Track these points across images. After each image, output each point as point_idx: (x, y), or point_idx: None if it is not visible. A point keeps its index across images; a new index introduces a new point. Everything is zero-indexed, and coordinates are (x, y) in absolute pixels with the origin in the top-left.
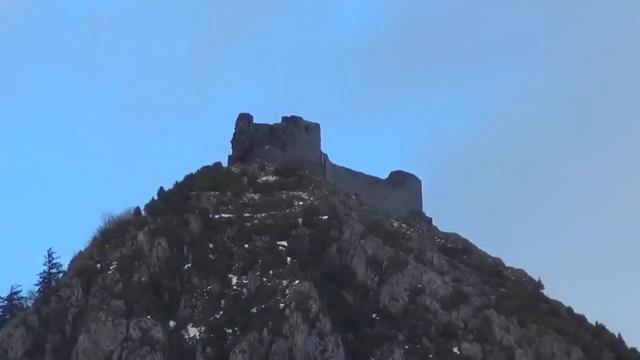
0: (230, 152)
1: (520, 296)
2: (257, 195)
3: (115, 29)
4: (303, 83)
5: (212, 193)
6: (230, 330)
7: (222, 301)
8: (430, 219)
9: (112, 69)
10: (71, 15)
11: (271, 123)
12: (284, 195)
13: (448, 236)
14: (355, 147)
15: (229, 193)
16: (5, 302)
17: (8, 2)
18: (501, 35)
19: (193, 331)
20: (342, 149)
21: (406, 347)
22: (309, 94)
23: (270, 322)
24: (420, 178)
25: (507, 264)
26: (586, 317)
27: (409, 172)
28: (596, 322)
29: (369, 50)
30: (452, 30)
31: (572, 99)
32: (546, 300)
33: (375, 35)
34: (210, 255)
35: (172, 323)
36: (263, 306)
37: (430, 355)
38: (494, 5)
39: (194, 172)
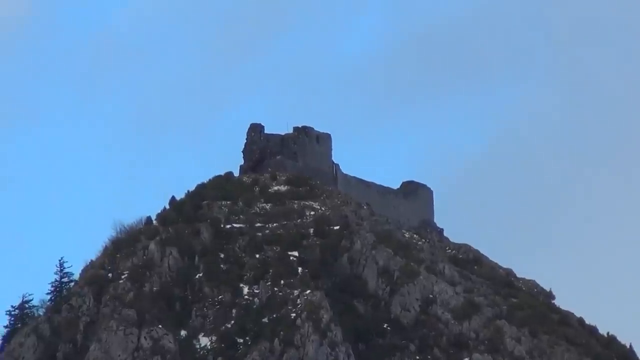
0: (242, 162)
1: (532, 307)
2: (269, 205)
3: (129, 44)
4: (314, 94)
5: (223, 203)
6: (241, 340)
7: (234, 311)
8: (442, 229)
9: (124, 81)
10: (85, 31)
11: (282, 133)
12: (295, 205)
13: (459, 247)
14: (367, 157)
15: (241, 203)
16: (17, 311)
17: (21, 19)
18: (508, 50)
19: (204, 341)
20: (354, 159)
21: (417, 357)
22: (320, 105)
23: (281, 332)
24: (431, 188)
25: (518, 275)
26: (597, 327)
27: (421, 182)
28: (607, 333)
29: (379, 64)
30: (459, 45)
31: (579, 111)
32: (557, 310)
33: (386, 50)
34: (222, 265)
35: (183, 332)
36: (274, 316)
37: None
38: (500, 22)
39: (205, 181)
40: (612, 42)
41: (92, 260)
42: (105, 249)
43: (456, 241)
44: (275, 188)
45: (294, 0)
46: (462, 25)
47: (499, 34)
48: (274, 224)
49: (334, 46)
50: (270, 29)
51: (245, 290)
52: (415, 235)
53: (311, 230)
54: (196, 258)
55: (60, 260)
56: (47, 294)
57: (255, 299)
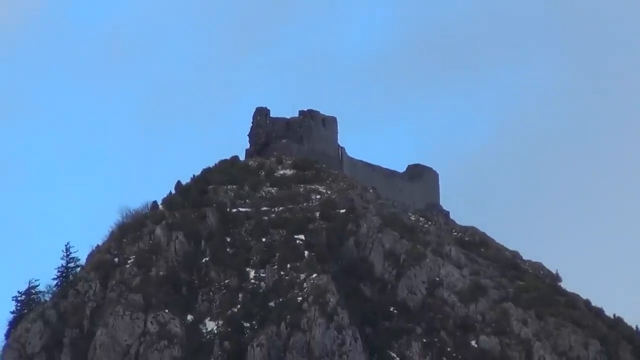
0: (248, 145)
1: (538, 289)
2: (275, 189)
3: (137, 34)
4: (320, 78)
5: (229, 187)
6: (248, 324)
7: (240, 295)
8: (448, 212)
9: (130, 69)
10: (94, 24)
11: (288, 117)
12: (301, 189)
13: (466, 229)
14: (373, 140)
15: (247, 187)
16: (23, 296)
17: (30, 15)
18: (512, 37)
19: (211, 325)
20: (359, 142)
21: (424, 340)
22: (326, 89)
23: (288, 316)
24: (437, 171)
25: (524, 257)
26: (604, 309)
27: (427, 165)
28: (614, 315)
29: (386, 53)
30: (464, 34)
31: (585, 93)
32: (564, 293)
33: (393, 38)
34: (228, 249)
35: (189, 317)
36: (281, 300)
37: (448, 349)
38: (504, 9)
39: (211, 166)
40: (616, 19)
41: (98, 245)
42: (112, 233)
43: (462, 224)
44: (281, 172)
45: None
46: (466, 13)
47: (503, 22)
48: (280, 208)
49: (341, 35)
50: (278, 18)
51: (252, 274)
52: (421, 218)
53: (317, 214)
54: (202, 242)
55: (66, 246)
56: (54, 279)
57: (262, 283)
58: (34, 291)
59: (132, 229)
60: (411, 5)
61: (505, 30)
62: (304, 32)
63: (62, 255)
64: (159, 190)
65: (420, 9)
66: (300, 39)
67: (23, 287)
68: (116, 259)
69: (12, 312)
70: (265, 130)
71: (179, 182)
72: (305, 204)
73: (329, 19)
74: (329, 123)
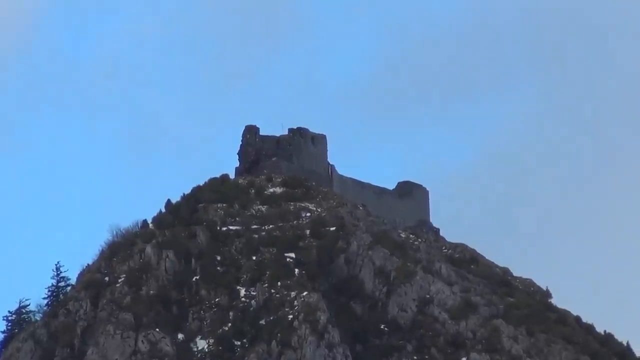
0: (237, 164)
1: (529, 305)
2: (265, 207)
3: (125, 59)
4: (309, 97)
5: (219, 205)
6: (238, 343)
7: (231, 313)
8: (438, 229)
9: (122, 88)
10: (82, 54)
11: (278, 135)
12: (291, 207)
13: (456, 246)
14: (362, 158)
15: (237, 205)
16: (14, 316)
17: (21, 46)
18: (498, 63)
19: (202, 343)
20: (349, 160)
21: (415, 357)
22: (315, 107)
23: (278, 334)
24: (427, 188)
25: (515, 274)
26: (594, 326)
27: (416, 182)
28: (604, 331)
29: (374, 74)
30: (452, 57)
31: (569, 114)
32: (554, 309)
33: (381, 61)
34: (218, 268)
35: (180, 335)
36: (271, 318)
37: None
38: (489, 36)
39: (201, 184)
40: (599, 53)
41: (88, 264)
42: (102, 252)
43: (452, 241)
44: (271, 190)
45: (292, 11)
46: (453, 39)
47: (488, 47)
48: (270, 226)
49: (329, 59)
50: (269, 38)
51: (242, 292)
52: (411, 235)
53: (307, 232)
54: (193, 261)
55: (56, 265)
56: (44, 298)
57: (252, 301)
58: (24, 310)
59: (122, 247)
60: (399, 32)
61: (489, 58)
62: (292, 56)
63: (52, 275)
64: (149, 209)
65: (405, 36)
66: (289, 63)
67: (14, 307)
68: (107, 278)
69: (3, 332)
70: (255, 148)
71: (169, 200)
72: (295, 221)
73: (317, 44)
74: (319, 141)
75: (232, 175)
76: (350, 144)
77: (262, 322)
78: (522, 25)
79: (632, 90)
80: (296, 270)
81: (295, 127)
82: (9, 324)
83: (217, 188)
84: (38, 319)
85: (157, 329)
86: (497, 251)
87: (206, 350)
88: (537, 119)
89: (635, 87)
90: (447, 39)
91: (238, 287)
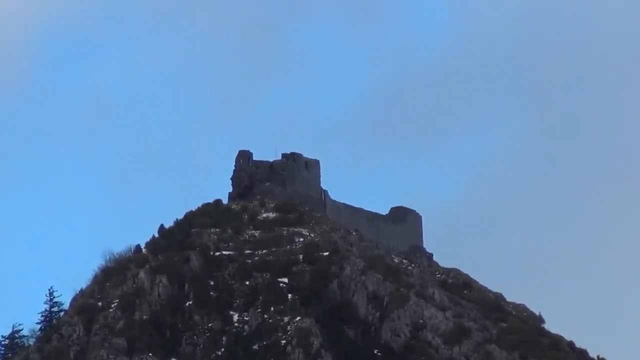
0: (230, 189)
1: (522, 331)
2: (258, 231)
3: (118, 89)
4: (303, 123)
5: (212, 230)
6: None
7: (224, 338)
8: (431, 254)
9: (115, 117)
10: (76, 82)
11: (271, 160)
12: (284, 232)
13: (449, 271)
14: (355, 183)
15: (230, 230)
16: (7, 340)
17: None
18: (487, 95)
19: None
20: (342, 185)
21: None
22: (308, 135)
23: (272, 359)
24: (420, 214)
25: (508, 299)
26: (588, 351)
27: (410, 207)
28: (598, 356)
29: (367, 107)
30: (444, 92)
31: (561, 140)
32: (547, 334)
33: (375, 94)
34: (212, 292)
35: None
36: (265, 343)
37: None
38: (475, 74)
39: (194, 209)
40: (586, 81)
41: (81, 289)
42: (95, 277)
43: (446, 266)
44: (264, 215)
45: (285, 43)
46: (442, 71)
47: (476, 80)
48: (264, 251)
49: (324, 86)
50: (262, 67)
51: (235, 317)
52: (404, 260)
53: (300, 257)
54: (186, 286)
55: (50, 290)
56: (37, 323)
57: (246, 326)
58: (17, 335)
59: (115, 272)
60: (387, 64)
61: (477, 90)
62: (286, 84)
63: (45, 300)
64: (142, 234)
65: (396, 68)
66: (283, 91)
67: (7, 331)
68: (100, 303)
69: None
70: (248, 173)
71: (162, 225)
72: (288, 246)
73: (310, 73)
74: (312, 166)
75: (225, 200)
76: (343, 169)
77: (256, 347)
78: (510, 58)
79: (619, 116)
80: (289, 295)
81: (288, 152)
82: (3, 348)
83: (210, 213)
84: (31, 343)
85: (151, 354)
86: (490, 276)
87: None
88: (525, 148)
89: (623, 113)
90: (436, 71)
91: (231, 312)
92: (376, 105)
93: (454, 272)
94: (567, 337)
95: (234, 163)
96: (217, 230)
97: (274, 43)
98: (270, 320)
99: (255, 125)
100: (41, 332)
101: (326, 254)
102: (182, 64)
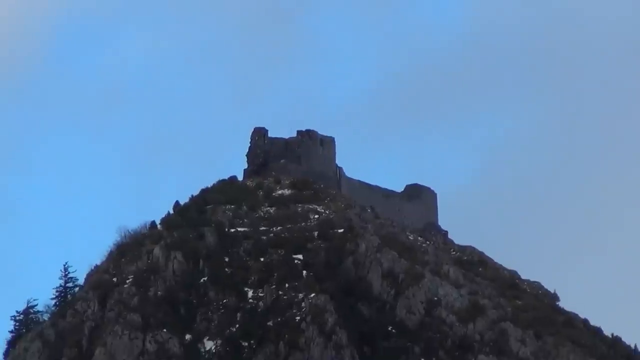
0: (246, 166)
1: (537, 308)
2: (273, 208)
3: (135, 64)
4: (319, 103)
5: (227, 207)
6: (246, 344)
7: (238, 314)
8: (446, 232)
9: (133, 93)
10: (98, 63)
11: (286, 137)
12: (299, 209)
13: (464, 249)
14: (371, 160)
15: (245, 207)
16: (22, 316)
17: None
18: (505, 72)
19: (209, 344)
20: (357, 162)
21: (422, 359)
22: (324, 113)
23: (286, 335)
24: (435, 191)
25: (523, 277)
26: (602, 329)
27: (425, 185)
28: (612, 334)
29: (383, 88)
30: (463, 67)
31: (579, 114)
32: (562, 312)
33: (391, 75)
34: (226, 269)
35: (188, 336)
36: (279, 319)
37: None
38: (492, 55)
39: (209, 186)
40: (599, 64)
41: (96, 265)
42: (110, 253)
43: (461, 243)
44: (280, 192)
45: (304, 25)
46: (460, 51)
47: (492, 61)
48: (278, 228)
49: (341, 65)
50: (281, 47)
51: (250, 293)
52: (419, 238)
53: (315, 234)
54: (201, 262)
55: (64, 265)
56: (52, 299)
57: (260, 303)
58: (32, 311)
59: (130, 248)
60: (404, 44)
61: (493, 71)
62: (303, 63)
63: (60, 275)
64: (157, 210)
65: (414, 48)
66: (300, 69)
67: (22, 307)
68: (115, 279)
69: (11, 332)
70: (264, 150)
71: (177, 202)
72: (303, 223)
73: (328, 54)
74: (327, 143)
75: (240, 177)
76: (358, 147)
77: (270, 323)
78: (526, 42)
79: (632, 98)
80: (304, 272)
81: (304, 130)
82: (17, 324)
83: (225, 190)
84: (46, 319)
85: (165, 330)
86: (505, 254)
87: (214, 351)
88: (541, 128)
89: (636, 95)
90: (453, 54)
91: (246, 289)
92: (392, 87)
93: (469, 250)
94: (582, 315)
95: (250, 140)
96: (232, 207)
97: (292, 27)
98: (284, 297)
99: (271, 103)
100: (56, 308)
101: (341, 231)
102: (199, 45)
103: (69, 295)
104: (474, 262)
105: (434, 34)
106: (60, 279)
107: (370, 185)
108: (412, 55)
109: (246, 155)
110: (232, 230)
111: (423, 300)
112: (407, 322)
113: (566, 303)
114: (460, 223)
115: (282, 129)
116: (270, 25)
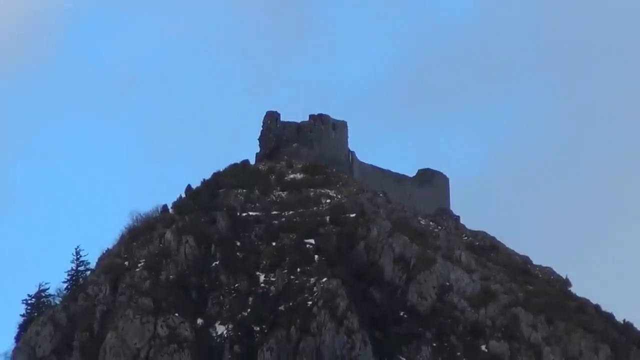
0: (258, 149)
1: (548, 294)
2: (285, 193)
3: (148, 49)
4: (331, 88)
5: (239, 191)
6: (258, 328)
7: (250, 299)
8: (458, 217)
9: (145, 79)
10: (109, 56)
11: (298, 121)
12: (311, 193)
13: (476, 234)
14: (383, 145)
15: (257, 191)
16: (33, 299)
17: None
18: (518, 58)
19: (221, 329)
20: (369, 147)
21: (434, 345)
22: (337, 98)
23: (298, 320)
24: (447, 176)
25: (534, 262)
26: (614, 314)
27: (437, 169)
28: (624, 320)
29: (395, 74)
30: (476, 51)
31: (591, 101)
32: (574, 298)
33: (396, 60)
34: (238, 253)
35: (199, 321)
36: (291, 304)
37: (458, 353)
38: (503, 43)
39: (221, 170)
40: (610, 51)
41: (108, 249)
42: (122, 237)
43: (473, 228)
44: (292, 176)
45: (317, 11)
46: (471, 39)
47: (504, 49)
48: (290, 212)
49: (354, 51)
50: (294, 31)
51: (262, 278)
52: (431, 223)
53: (327, 218)
54: (212, 246)
55: (76, 249)
56: (64, 282)
57: (272, 287)
58: (44, 294)
59: (142, 232)
60: (417, 30)
61: (504, 59)
62: (316, 48)
63: (72, 259)
64: (169, 194)
65: (426, 34)
66: (312, 54)
67: (33, 291)
68: (126, 263)
69: (22, 315)
70: (276, 134)
71: (189, 186)
72: (315, 208)
73: (341, 40)
74: (339, 127)
75: (252, 161)
76: (370, 131)
77: (282, 308)
78: (536, 28)
79: None
80: (316, 256)
81: (316, 114)
82: (29, 307)
83: (237, 174)
84: (57, 302)
85: (177, 314)
86: (517, 239)
87: (225, 335)
88: (553, 114)
89: None
90: (470, 37)
91: (257, 273)
92: (406, 72)
93: (481, 235)
94: (594, 301)
95: (262, 124)
96: (244, 191)
97: (306, 10)
98: (296, 282)
99: (283, 87)
100: (67, 291)
101: (353, 215)
102: (212, 29)
103: (80, 279)
104: (485, 247)
105: (450, 20)
106: (72, 262)
107: (382, 169)
108: (427, 41)
109: (258, 139)
110: (244, 214)
111: (435, 285)
112: (419, 307)
113: (578, 289)
114: (472, 208)
115: (295, 113)
116: (284, 8)
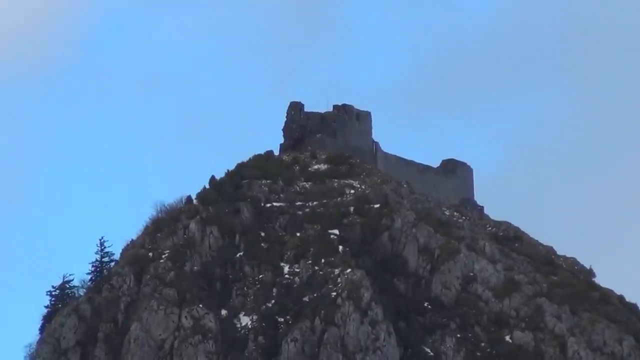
0: (282, 140)
1: (572, 284)
2: (309, 183)
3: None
4: (355, 81)
5: (263, 181)
6: (282, 319)
7: (274, 290)
8: (482, 207)
9: (168, 71)
10: (135, 52)
11: (322, 111)
12: (335, 184)
13: (500, 224)
14: (407, 135)
15: (281, 181)
16: (58, 291)
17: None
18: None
19: (245, 320)
20: (393, 137)
21: (458, 335)
22: (361, 91)
23: (322, 311)
24: (471, 166)
25: (559, 253)
26: (638, 305)
27: (461, 160)
28: None
29: (417, 70)
30: (496, 49)
31: (609, 94)
32: (598, 288)
33: (418, 57)
34: (262, 244)
35: (224, 312)
36: (315, 295)
37: (482, 344)
38: (522, 39)
39: (245, 160)
40: (630, 46)
41: (132, 240)
42: (146, 228)
43: (496, 219)
44: (316, 166)
45: (341, 9)
46: (492, 37)
47: (523, 45)
48: (314, 203)
49: (377, 46)
50: (320, 26)
51: (286, 269)
52: (455, 213)
53: (351, 209)
54: (236, 237)
55: (100, 240)
56: (88, 274)
57: (296, 278)
58: (68, 286)
59: (166, 223)
60: (439, 26)
61: (524, 55)
62: (341, 41)
63: (96, 250)
64: (193, 185)
65: (447, 30)
66: (337, 47)
67: (57, 282)
68: (150, 254)
69: (47, 307)
70: (300, 124)
71: (213, 176)
72: (339, 198)
73: (366, 36)
74: (363, 118)
75: (276, 152)
76: (395, 121)
77: (306, 298)
78: (555, 24)
79: None
80: (340, 247)
81: (340, 104)
82: (53, 299)
83: (261, 164)
84: (82, 294)
85: (201, 305)
86: (541, 230)
87: (249, 326)
88: (578, 103)
89: None
90: (493, 30)
91: (282, 264)
92: (430, 64)
93: (505, 225)
94: (618, 291)
95: (286, 114)
96: (268, 181)
97: (331, 2)
98: (320, 272)
99: (307, 78)
100: (91, 283)
101: (377, 206)
102: (236, 21)
103: (104, 270)
104: (509, 238)
105: (470, 19)
106: (96, 253)
107: (406, 160)
108: (449, 38)
109: (282, 130)
110: (268, 205)
111: (459, 275)
112: (443, 297)
113: (602, 279)
114: (496, 198)
115: (319, 104)
116: (309, 6)
